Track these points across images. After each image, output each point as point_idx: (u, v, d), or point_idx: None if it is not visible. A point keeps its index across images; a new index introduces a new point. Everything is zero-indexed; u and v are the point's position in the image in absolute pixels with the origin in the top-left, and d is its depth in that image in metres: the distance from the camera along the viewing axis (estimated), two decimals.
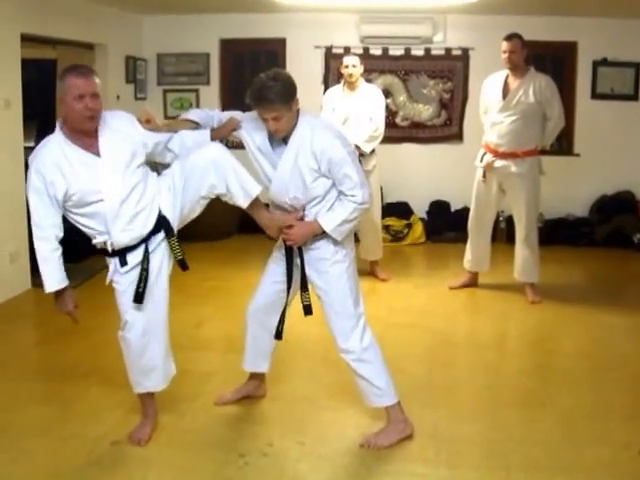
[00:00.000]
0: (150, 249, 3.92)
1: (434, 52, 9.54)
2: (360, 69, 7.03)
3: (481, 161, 6.74)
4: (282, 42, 9.70)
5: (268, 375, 4.64)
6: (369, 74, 8.86)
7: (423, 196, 9.69)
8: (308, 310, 4.09)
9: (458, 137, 9.68)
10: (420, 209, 9.66)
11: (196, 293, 6.87)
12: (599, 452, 3.99)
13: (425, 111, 9.72)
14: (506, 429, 4.27)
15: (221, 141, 4.09)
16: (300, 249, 4.07)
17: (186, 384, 4.71)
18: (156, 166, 4.04)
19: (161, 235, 3.94)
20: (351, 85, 7.07)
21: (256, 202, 4.01)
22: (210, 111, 4.23)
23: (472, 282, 7.26)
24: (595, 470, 3.82)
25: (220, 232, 9.19)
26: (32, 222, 3.74)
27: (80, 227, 3.86)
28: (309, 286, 4.11)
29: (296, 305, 4.19)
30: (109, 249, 3.86)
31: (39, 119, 8.54)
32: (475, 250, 7.10)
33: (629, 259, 8.66)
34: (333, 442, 4.13)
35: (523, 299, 6.81)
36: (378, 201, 7.41)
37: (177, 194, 3.92)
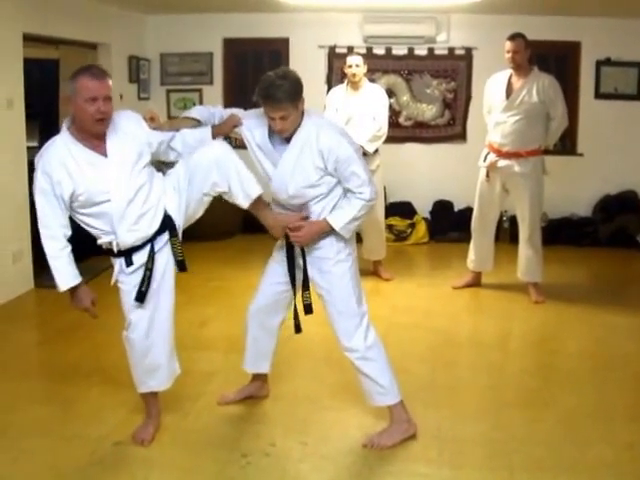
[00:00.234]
0: (156, 249, 3.91)
1: (437, 52, 9.54)
2: (364, 69, 7.02)
3: (484, 161, 6.73)
4: (285, 42, 9.70)
5: (270, 375, 4.63)
6: (372, 74, 8.83)
7: (426, 196, 9.68)
8: (309, 309, 4.10)
9: (461, 137, 9.67)
10: (423, 209, 9.66)
11: (199, 293, 6.87)
12: (602, 452, 3.98)
13: (428, 111, 9.71)
14: (509, 429, 4.26)
15: (225, 139, 4.09)
16: (302, 249, 4.07)
17: (189, 384, 4.70)
18: (160, 166, 4.04)
19: (167, 235, 3.94)
20: (354, 85, 7.07)
21: (260, 202, 4.00)
22: (212, 108, 4.22)
23: (475, 282, 7.25)
24: (598, 470, 3.81)
25: (223, 232, 9.19)
26: (39, 222, 3.72)
27: (86, 227, 3.85)
28: (310, 285, 4.12)
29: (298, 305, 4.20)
30: (115, 249, 3.86)
31: (41, 119, 8.56)
32: (478, 250, 7.09)
33: (632, 259, 8.64)
34: (336, 442, 4.12)
35: (526, 299, 6.80)
36: (381, 201, 7.41)
37: (182, 194, 3.92)
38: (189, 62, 9.91)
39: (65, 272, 3.78)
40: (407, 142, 9.73)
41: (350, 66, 6.99)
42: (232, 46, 9.90)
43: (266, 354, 4.47)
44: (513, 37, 6.42)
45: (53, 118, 7.95)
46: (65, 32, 7.59)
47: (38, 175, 3.66)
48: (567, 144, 9.41)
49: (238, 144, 4.36)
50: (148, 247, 3.89)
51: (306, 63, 9.18)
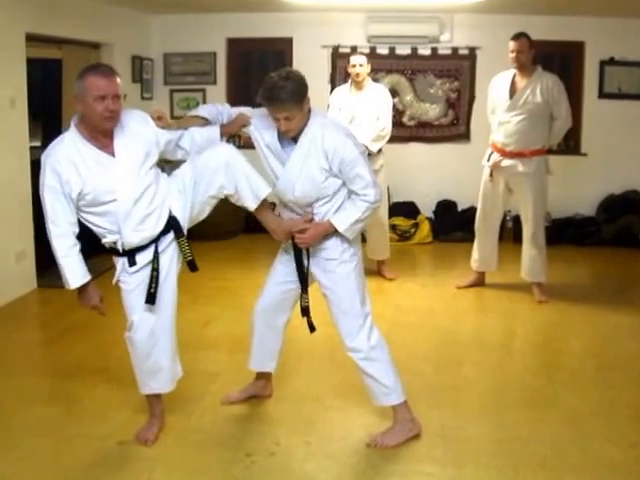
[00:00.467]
0: (159, 250, 3.91)
1: (441, 51, 9.54)
2: (367, 68, 7.02)
3: (488, 160, 6.73)
4: (289, 41, 9.70)
5: (275, 375, 4.63)
6: (376, 73, 8.84)
7: (430, 196, 9.69)
8: (306, 312, 4.12)
9: (465, 136, 9.68)
10: (427, 209, 9.66)
11: (203, 293, 6.87)
12: (607, 451, 3.98)
13: (432, 110, 9.71)
14: (513, 428, 4.26)
15: (229, 141, 4.09)
16: (307, 249, 4.06)
17: (193, 384, 4.70)
18: (164, 166, 4.04)
19: (170, 236, 3.95)
20: (358, 84, 7.06)
21: (264, 205, 4.00)
22: (220, 106, 4.19)
23: (479, 282, 7.24)
24: (602, 469, 3.80)
25: (225, 232, 9.19)
26: (48, 220, 3.70)
27: (90, 226, 3.84)
28: (310, 287, 4.13)
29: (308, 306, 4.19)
30: (119, 249, 3.86)
31: (44, 119, 8.57)
32: (482, 250, 7.09)
33: (636, 258, 8.62)
34: (340, 441, 4.12)
35: (530, 298, 6.80)
36: (385, 201, 7.39)
37: (187, 195, 3.93)
38: (192, 62, 9.92)
39: (75, 270, 3.77)
40: (411, 142, 9.74)
41: (354, 65, 6.99)
42: (236, 46, 9.89)
43: (272, 353, 4.47)
44: (517, 37, 6.41)
45: (56, 118, 7.94)
46: (68, 32, 7.59)
47: (46, 173, 3.64)
48: (571, 144, 9.41)
49: (243, 144, 4.35)
50: (152, 247, 3.89)
51: (309, 63, 9.16)
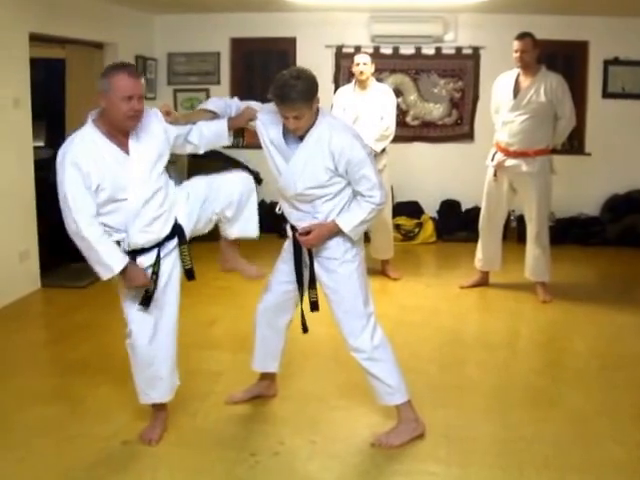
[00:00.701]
0: (162, 254, 3.93)
1: (445, 51, 9.53)
2: (371, 67, 7.02)
3: (492, 160, 6.72)
4: (292, 41, 9.69)
5: (279, 374, 4.63)
6: (380, 73, 8.84)
7: (434, 195, 9.67)
8: (315, 306, 4.12)
9: (469, 136, 9.67)
10: (431, 208, 9.65)
11: (206, 293, 6.86)
12: (610, 451, 3.98)
13: (436, 110, 9.70)
14: (517, 428, 4.25)
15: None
16: (310, 249, 4.06)
17: (197, 383, 4.72)
18: (170, 174, 4.04)
19: (174, 242, 3.97)
20: (362, 84, 7.06)
21: (236, 242, 4.39)
22: (228, 99, 4.20)
23: (483, 281, 7.24)
24: (606, 469, 3.80)
25: None
26: (74, 213, 3.62)
27: None
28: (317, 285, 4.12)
29: (304, 305, 4.20)
30: (125, 249, 3.85)
31: (48, 119, 8.56)
32: (486, 249, 7.08)
33: None
34: (344, 441, 4.12)
35: (534, 298, 6.79)
36: (389, 200, 7.39)
37: (194, 207, 4.00)
38: (196, 62, 9.92)
39: (114, 254, 3.74)
40: (414, 141, 9.73)
41: (357, 64, 6.99)
42: (239, 46, 9.90)
43: (275, 354, 4.47)
44: (521, 36, 6.41)
45: (59, 118, 7.94)
46: (71, 32, 7.59)
47: (67, 167, 3.60)
48: (575, 143, 9.39)
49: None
50: (155, 251, 3.90)
51: (313, 63, 8.97)
